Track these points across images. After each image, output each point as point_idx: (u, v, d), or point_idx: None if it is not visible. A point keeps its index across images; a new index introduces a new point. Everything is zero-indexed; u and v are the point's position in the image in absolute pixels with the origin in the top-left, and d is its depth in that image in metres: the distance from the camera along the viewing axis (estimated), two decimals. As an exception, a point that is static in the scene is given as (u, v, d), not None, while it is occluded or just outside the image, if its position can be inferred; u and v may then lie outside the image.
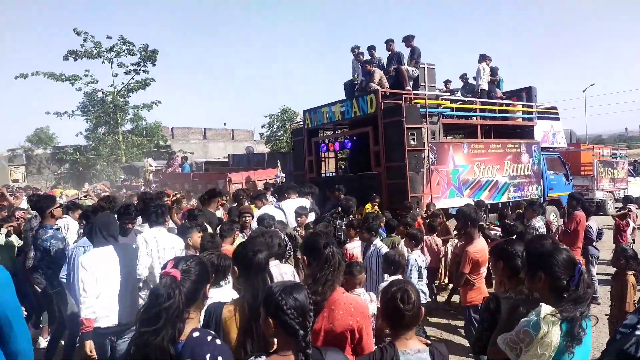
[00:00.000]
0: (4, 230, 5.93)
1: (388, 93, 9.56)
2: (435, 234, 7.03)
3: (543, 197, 11.60)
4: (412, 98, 9.35)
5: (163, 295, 1.75)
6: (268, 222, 5.35)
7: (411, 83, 10.09)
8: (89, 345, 3.52)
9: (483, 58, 11.62)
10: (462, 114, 11.01)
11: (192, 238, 4.43)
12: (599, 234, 7.14)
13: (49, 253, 4.70)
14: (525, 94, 12.74)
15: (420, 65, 10.34)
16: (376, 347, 2.23)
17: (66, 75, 24.19)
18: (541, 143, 12.05)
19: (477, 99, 11.25)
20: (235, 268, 2.41)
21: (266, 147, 31.54)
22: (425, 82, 10.52)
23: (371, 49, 10.91)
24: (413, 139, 8.68)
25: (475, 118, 11.17)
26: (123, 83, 26.31)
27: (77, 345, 4.48)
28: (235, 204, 7.57)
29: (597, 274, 7.27)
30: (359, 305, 2.41)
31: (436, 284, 7.43)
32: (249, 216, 5.86)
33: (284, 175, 11.25)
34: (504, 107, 11.92)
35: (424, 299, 4.83)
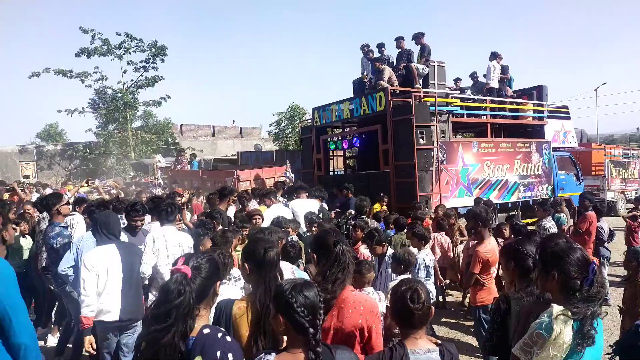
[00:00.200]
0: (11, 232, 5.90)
1: (397, 91, 9.52)
2: (443, 232, 6.99)
3: (553, 197, 11.50)
4: (422, 96, 9.31)
5: (174, 292, 1.76)
6: (282, 225, 5.34)
7: (421, 81, 10.04)
8: (88, 340, 3.63)
9: (494, 56, 11.53)
10: (472, 113, 10.94)
11: (205, 245, 4.43)
12: (610, 235, 7.07)
13: (55, 251, 4.73)
14: (536, 92, 12.64)
15: (430, 63, 10.28)
16: (385, 346, 2.22)
17: (76, 72, 24.40)
18: (552, 142, 11.95)
19: (488, 98, 11.17)
20: (247, 265, 2.41)
21: (274, 145, 31.57)
22: (435, 80, 10.47)
23: (381, 46, 10.88)
24: (422, 138, 8.65)
25: (485, 117, 11.10)
26: (132, 80, 26.50)
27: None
28: (240, 207, 7.56)
29: (608, 275, 7.20)
30: (369, 304, 2.39)
31: (446, 283, 7.39)
32: (259, 218, 5.83)
33: (293, 175, 11.24)
34: (515, 106, 11.83)
35: (432, 298, 4.79)
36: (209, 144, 33.93)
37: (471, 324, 5.67)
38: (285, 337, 1.89)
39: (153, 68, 26.10)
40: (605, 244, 6.94)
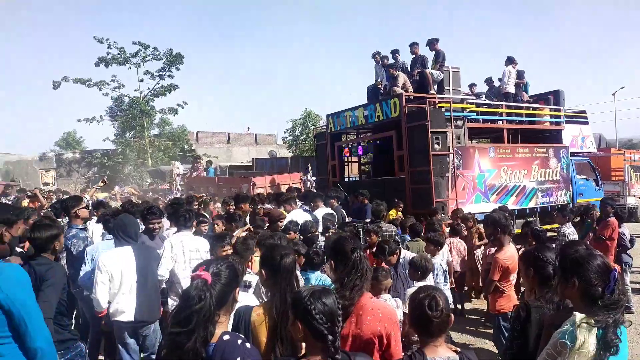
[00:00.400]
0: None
1: (412, 97, 9.50)
2: (458, 237, 6.92)
3: (572, 203, 11.32)
4: (437, 102, 9.26)
5: (194, 298, 1.78)
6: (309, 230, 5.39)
7: (435, 87, 10.01)
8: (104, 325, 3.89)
9: (510, 61, 11.44)
10: (487, 118, 10.85)
11: (219, 253, 4.47)
12: (631, 241, 6.93)
13: (70, 252, 4.81)
14: (553, 97, 12.50)
15: (445, 69, 10.25)
16: (404, 354, 2.20)
17: (94, 81, 24.88)
18: (570, 147, 11.77)
19: (503, 103, 11.08)
20: (263, 271, 2.42)
21: (289, 152, 31.70)
22: (450, 86, 10.42)
23: (395, 52, 10.88)
24: (438, 143, 8.60)
25: (501, 122, 11.00)
26: (149, 88, 26.90)
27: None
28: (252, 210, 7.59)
29: (630, 282, 7.05)
30: (387, 311, 2.38)
31: (465, 290, 7.32)
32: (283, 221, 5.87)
33: (313, 178, 11.21)
34: (531, 111, 11.70)
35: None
36: (224, 150, 34.21)
37: (489, 331, 5.60)
38: (304, 344, 1.90)
39: (169, 76, 26.50)
40: (628, 251, 6.82)
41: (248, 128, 41.16)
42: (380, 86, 11.13)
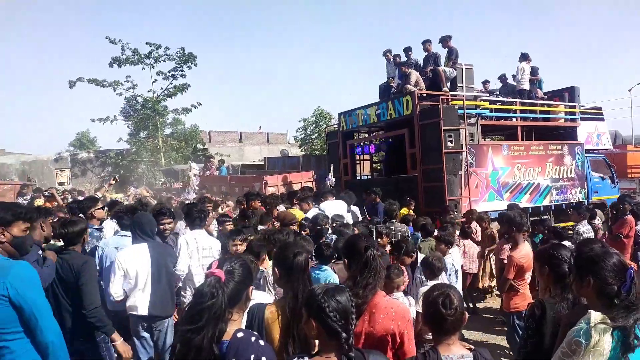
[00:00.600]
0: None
1: (425, 94, 9.45)
2: (468, 239, 6.87)
3: (587, 201, 11.17)
4: (450, 99, 9.20)
5: (207, 295, 1.80)
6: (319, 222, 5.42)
7: (448, 84, 9.94)
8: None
9: (524, 57, 11.31)
10: (501, 115, 10.74)
11: (230, 248, 4.53)
12: (648, 239, 6.81)
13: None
14: (568, 94, 12.32)
15: (458, 66, 10.16)
16: (418, 352, 2.20)
17: (108, 82, 25.15)
18: (585, 144, 11.61)
19: (517, 100, 10.96)
20: (277, 270, 2.44)
21: (300, 150, 31.73)
22: (463, 83, 10.32)
23: (408, 50, 10.83)
24: (450, 141, 8.54)
25: (515, 119, 10.89)
26: (162, 88, 27.10)
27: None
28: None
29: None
30: (400, 309, 2.38)
31: (479, 288, 7.28)
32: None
33: (334, 179, 11.22)
34: (545, 108, 11.57)
35: None
36: (236, 150, 34.35)
37: (503, 329, 5.57)
38: (317, 342, 1.91)
39: (181, 76, 26.65)
40: (645, 249, 6.71)
41: (260, 127, 41.38)
42: (392, 84, 11.09)
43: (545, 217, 10.14)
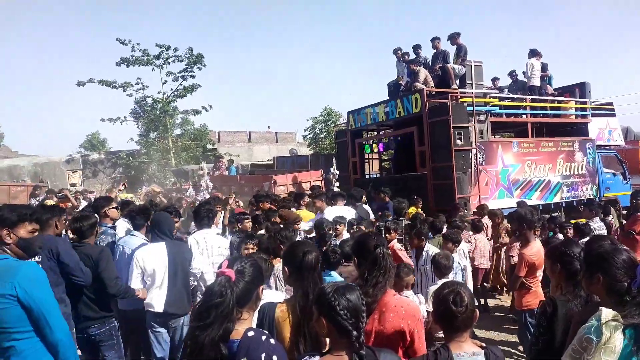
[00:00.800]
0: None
1: (434, 92, 9.41)
2: (479, 234, 6.83)
3: (599, 197, 11.06)
4: (459, 96, 9.16)
5: (216, 293, 1.81)
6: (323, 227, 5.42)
7: (457, 81, 9.88)
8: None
9: (533, 53, 11.21)
10: (511, 112, 10.67)
11: (242, 252, 4.56)
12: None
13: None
14: (579, 89, 12.21)
15: (467, 63, 10.10)
16: (429, 350, 2.20)
17: (118, 83, 25.34)
18: (596, 141, 11.50)
19: (527, 96, 10.88)
20: (286, 268, 2.45)
21: (309, 149, 31.74)
22: (472, 80, 10.26)
23: (417, 48, 10.78)
24: (460, 139, 8.51)
25: (525, 116, 10.80)
26: (172, 89, 27.25)
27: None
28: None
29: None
30: (410, 307, 2.38)
31: (489, 286, 7.25)
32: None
33: (337, 172, 11.24)
34: (556, 104, 11.46)
35: None
36: (245, 149, 34.46)
37: (515, 327, 5.54)
38: (328, 340, 1.92)
39: (191, 76, 26.77)
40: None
41: (269, 127, 41.46)
42: (401, 82, 11.06)
43: (555, 214, 10.06)
